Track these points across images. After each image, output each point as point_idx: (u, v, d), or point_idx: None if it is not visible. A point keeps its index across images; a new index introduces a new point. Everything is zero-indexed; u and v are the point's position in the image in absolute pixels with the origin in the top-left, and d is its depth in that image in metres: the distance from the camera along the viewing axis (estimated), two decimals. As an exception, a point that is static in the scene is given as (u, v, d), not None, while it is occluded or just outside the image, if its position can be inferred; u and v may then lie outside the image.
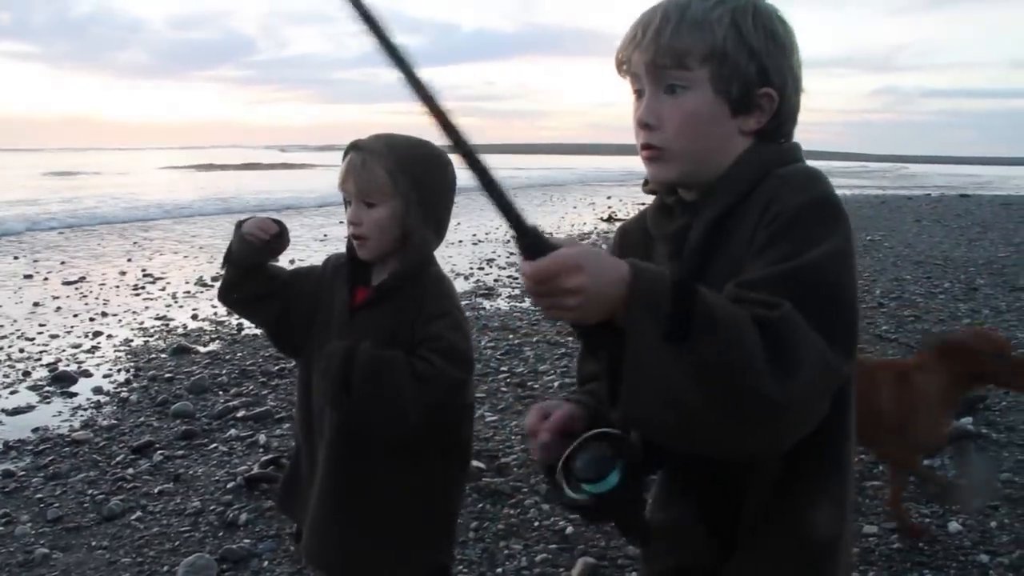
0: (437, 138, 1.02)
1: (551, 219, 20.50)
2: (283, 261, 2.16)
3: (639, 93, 1.33)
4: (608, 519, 1.20)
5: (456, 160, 1.04)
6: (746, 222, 1.22)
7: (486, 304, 8.96)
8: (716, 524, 1.30)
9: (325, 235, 15.82)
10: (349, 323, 1.97)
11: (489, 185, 1.01)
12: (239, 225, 2.04)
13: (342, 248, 2.07)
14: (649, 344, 1.01)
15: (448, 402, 1.89)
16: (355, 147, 1.94)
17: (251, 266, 2.05)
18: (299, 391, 2.14)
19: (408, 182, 1.89)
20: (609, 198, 28.09)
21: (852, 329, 1.15)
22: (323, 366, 1.86)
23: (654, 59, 1.27)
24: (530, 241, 1.01)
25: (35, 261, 12.76)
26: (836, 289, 1.13)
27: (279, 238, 2.04)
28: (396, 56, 1.00)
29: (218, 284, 2.15)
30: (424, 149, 1.94)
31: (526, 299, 8.80)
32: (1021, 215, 20.30)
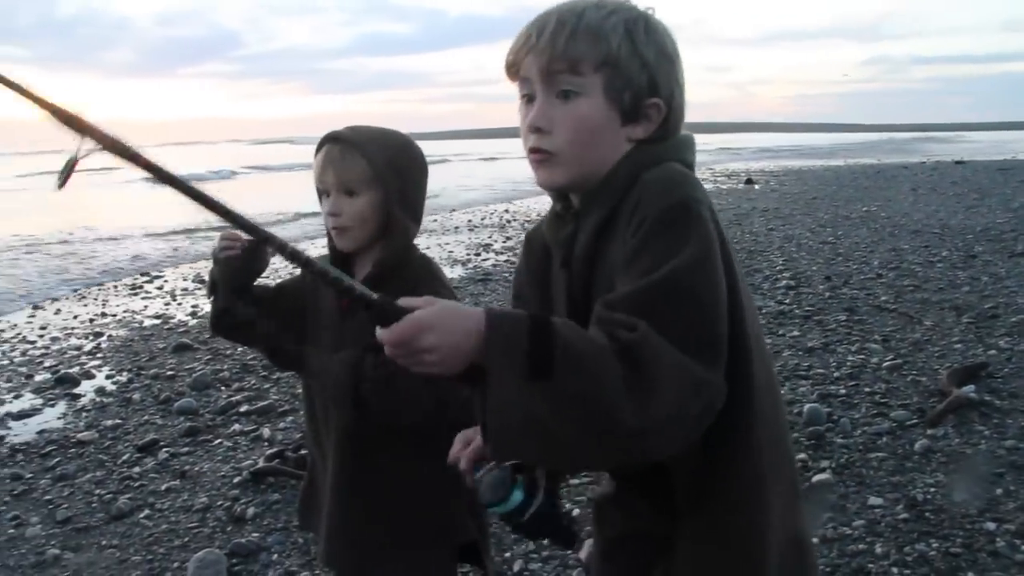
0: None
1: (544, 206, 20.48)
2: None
3: (528, 98, 1.33)
4: (530, 532, 1.28)
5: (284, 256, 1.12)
6: (620, 228, 1.25)
7: (484, 290, 8.95)
8: (654, 499, 1.37)
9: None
10: (340, 323, 1.96)
11: (328, 276, 1.11)
12: (214, 252, 2.02)
13: None
14: (509, 384, 1.07)
15: (457, 388, 1.90)
16: (332, 138, 1.93)
17: (236, 290, 2.02)
18: (305, 403, 2.14)
19: (389, 170, 1.88)
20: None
21: (711, 337, 1.16)
22: (331, 383, 1.86)
23: (549, 64, 1.28)
24: (378, 311, 1.09)
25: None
26: (692, 300, 1.15)
27: (254, 255, 1.99)
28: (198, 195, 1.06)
29: (208, 316, 2.13)
30: (397, 137, 1.96)
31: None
32: (1019, 180, 20.27)
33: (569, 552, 3.29)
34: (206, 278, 2.16)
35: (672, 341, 1.10)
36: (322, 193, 1.96)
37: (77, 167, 1.02)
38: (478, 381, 1.12)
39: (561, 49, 1.26)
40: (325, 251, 2.04)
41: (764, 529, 1.31)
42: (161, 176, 1.04)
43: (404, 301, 1.11)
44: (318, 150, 1.96)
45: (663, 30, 1.33)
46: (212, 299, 2.07)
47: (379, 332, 1.09)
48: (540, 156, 1.32)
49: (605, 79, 1.28)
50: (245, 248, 1.97)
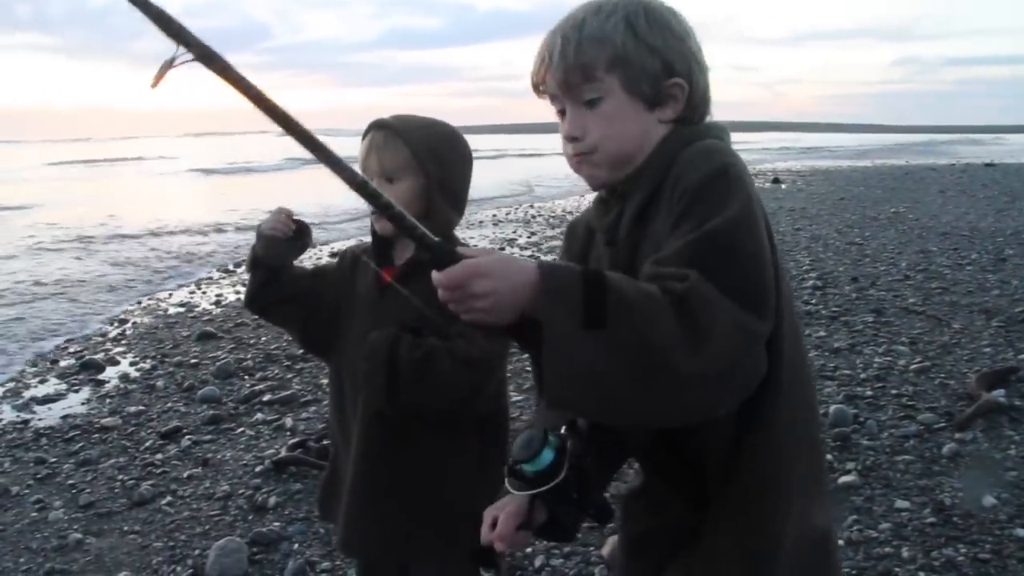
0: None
1: (567, 202, 20.45)
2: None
3: (562, 113, 1.41)
4: (560, 499, 1.28)
5: (353, 187, 1.13)
6: (663, 202, 1.30)
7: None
8: (682, 488, 1.39)
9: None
10: (378, 303, 1.96)
11: (392, 211, 1.13)
12: (259, 227, 2.03)
13: None
14: (565, 333, 1.09)
15: (491, 377, 1.90)
16: (376, 126, 1.94)
17: (278, 266, 2.02)
18: (332, 388, 2.13)
19: (431, 158, 1.89)
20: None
21: (760, 289, 1.18)
22: (366, 362, 1.84)
23: (565, 78, 1.35)
24: (438, 254, 1.12)
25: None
26: (738, 253, 1.18)
27: (302, 234, 2.02)
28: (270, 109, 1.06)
29: (244, 291, 2.13)
30: (443, 127, 1.98)
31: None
32: (1050, 184, 19.98)
33: (592, 548, 3.27)
34: (230, 267, 2.15)
35: (721, 291, 1.12)
36: None
37: (171, 71, 1.05)
38: (525, 335, 1.13)
39: (572, 63, 1.34)
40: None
41: (780, 521, 1.30)
42: (247, 92, 1.06)
43: (461, 249, 1.13)
44: (364, 137, 1.98)
45: (666, 11, 1.38)
46: (251, 273, 2.06)
47: (434, 274, 1.11)
48: (580, 157, 1.39)
49: (620, 77, 1.34)
50: (294, 228, 1.99)
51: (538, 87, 1.42)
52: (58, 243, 13.58)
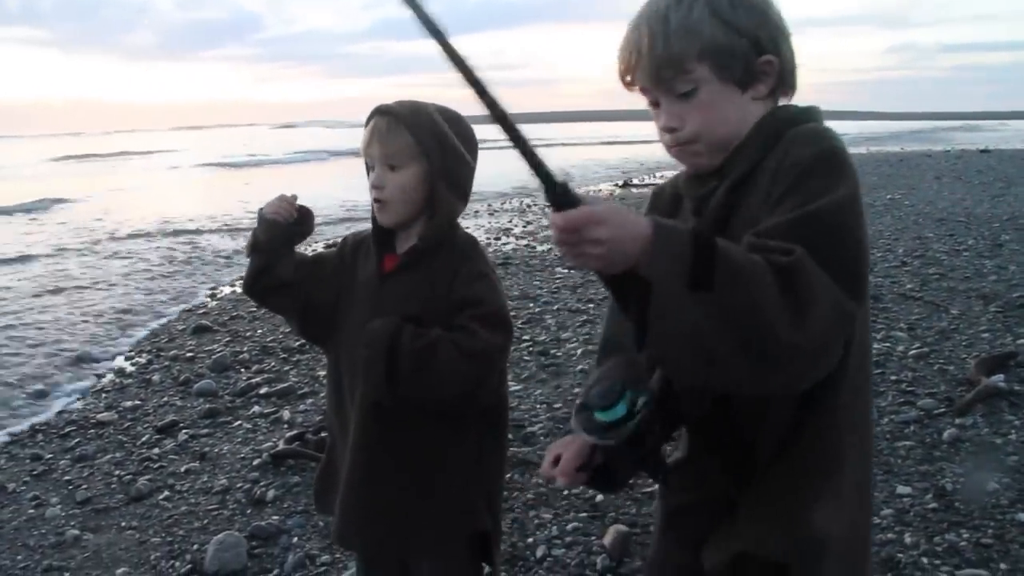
0: (470, 101, 1.07)
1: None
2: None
3: (655, 104, 1.41)
4: (624, 452, 1.30)
5: (488, 119, 1.11)
6: (763, 179, 1.30)
7: (504, 274, 8.91)
8: (730, 462, 1.40)
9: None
10: (379, 291, 1.93)
11: (520, 141, 1.07)
12: (261, 211, 2.01)
13: None
14: (673, 292, 1.09)
15: (493, 369, 1.88)
16: (380, 111, 1.91)
17: (279, 250, 2.00)
18: (330, 377, 2.10)
19: (434, 145, 1.86)
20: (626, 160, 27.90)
21: (859, 272, 1.20)
22: (366, 355, 1.81)
23: (657, 74, 1.35)
24: (559, 194, 1.09)
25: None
26: (843, 234, 1.20)
27: (305, 219, 2.01)
28: (429, 24, 1.07)
29: (243, 276, 2.10)
30: (448, 113, 1.94)
31: (549, 267, 8.81)
32: (1045, 168, 19.99)
33: (593, 537, 3.26)
34: (236, 246, 2.12)
35: (823, 268, 1.13)
36: (369, 168, 1.94)
37: None
38: (625, 289, 1.15)
39: (661, 59, 1.32)
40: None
41: (831, 507, 1.30)
42: (427, 25, 1.06)
43: (580, 195, 1.12)
44: (367, 123, 1.94)
45: None
46: (251, 258, 2.03)
47: (553, 215, 1.10)
48: (681, 148, 1.40)
49: (712, 65, 1.33)
50: (296, 213, 1.99)
51: (625, 79, 1.41)
52: (103, 241, 13.27)
